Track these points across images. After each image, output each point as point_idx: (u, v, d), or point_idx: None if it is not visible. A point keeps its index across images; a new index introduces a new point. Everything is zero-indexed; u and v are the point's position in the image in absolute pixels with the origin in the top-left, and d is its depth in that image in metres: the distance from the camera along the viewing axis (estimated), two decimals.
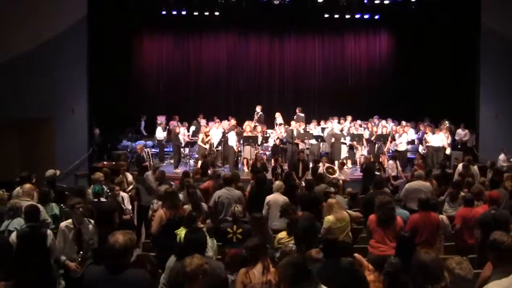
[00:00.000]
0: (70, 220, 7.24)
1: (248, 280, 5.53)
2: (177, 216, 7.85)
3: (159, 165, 14.34)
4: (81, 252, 7.05)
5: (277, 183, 10.02)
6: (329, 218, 8.04)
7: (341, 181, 14.14)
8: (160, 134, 19.00)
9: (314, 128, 19.04)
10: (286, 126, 18.74)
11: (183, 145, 18.24)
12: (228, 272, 6.22)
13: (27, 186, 8.70)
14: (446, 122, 19.15)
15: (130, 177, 12.47)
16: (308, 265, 4.71)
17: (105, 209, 8.42)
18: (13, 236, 6.75)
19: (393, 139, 18.16)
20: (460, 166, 14.21)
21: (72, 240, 7.10)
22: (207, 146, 17.34)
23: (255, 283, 5.49)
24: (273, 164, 15.19)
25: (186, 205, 9.30)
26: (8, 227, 7.26)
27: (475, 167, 14.21)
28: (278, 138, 18.22)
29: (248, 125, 18.16)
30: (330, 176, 13.77)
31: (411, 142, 18.80)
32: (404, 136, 17.92)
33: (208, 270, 4.53)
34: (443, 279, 4.50)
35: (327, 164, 14.92)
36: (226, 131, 18.02)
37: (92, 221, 7.38)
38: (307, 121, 19.89)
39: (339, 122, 19.67)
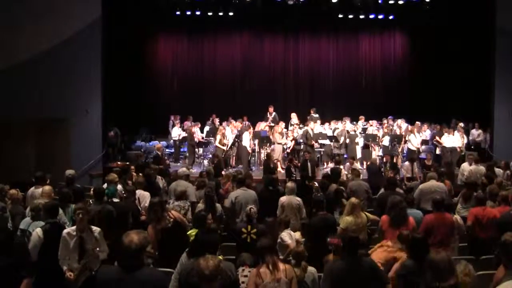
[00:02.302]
0: (74, 227, 6.89)
1: (260, 280, 5.55)
2: (164, 228, 7.63)
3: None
4: (82, 261, 6.62)
5: (289, 185, 9.92)
6: (347, 219, 8.08)
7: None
8: (176, 134, 19.06)
9: (328, 128, 19.04)
10: (301, 126, 18.75)
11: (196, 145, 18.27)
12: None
13: (47, 187, 8.69)
14: (461, 123, 19.03)
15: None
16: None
17: (118, 210, 8.35)
18: (39, 233, 6.71)
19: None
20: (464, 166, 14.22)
21: (73, 248, 6.72)
22: (225, 148, 17.44)
23: (267, 282, 5.51)
24: (287, 165, 15.16)
25: (200, 203, 9.36)
26: (29, 228, 7.27)
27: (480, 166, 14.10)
28: (293, 139, 18.20)
29: (273, 127, 18.26)
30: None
31: (426, 142, 18.65)
32: (414, 136, 17.81)
33: (223, 269, 4.55)
34: (451, 278, 4.50)
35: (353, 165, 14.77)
36: (240, 131, 18.04)
37: (97, 229, 6.96)
38: (321, 122, 19.85)
39: (352, 122, 19.66)
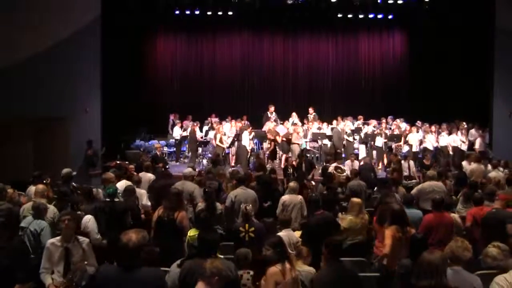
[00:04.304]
0: (59, 237, 6.39)
1: (281, 278, 5.47)
2: (166, 216, 7.79)
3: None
4: (67, 276, 6.09)
5: (291, 184, 9.92)
6: (351, 219, 8.14)
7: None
8: (178, 133, 19.07)
9: (327, 128, 19.07)
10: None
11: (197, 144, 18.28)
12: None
13: (40, 187, 8.60)
14: (464, 123, 19.08)
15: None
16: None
17: (117, 210, 8.33)
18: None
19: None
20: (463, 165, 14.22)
21: (58, 260, 6.20)
22: (225, 145, 17.44)
23: (288, 280, 5.45)
24: (284, 165, 15.14)
25: (199, 203, 9.33)
26: (29, 226, 7.26)
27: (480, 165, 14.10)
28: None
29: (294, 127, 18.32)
30: (340, 175, 13.61)
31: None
32: (431, 135, 17.98)
33: (225, 275, 4.48)
34: (434, 277, 4.50)
35: (334, 164, 14.73)
36: (239, 130, 18.05)
37: (86, 240, 6.50)
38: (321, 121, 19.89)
39: (352, 122, 19.70)
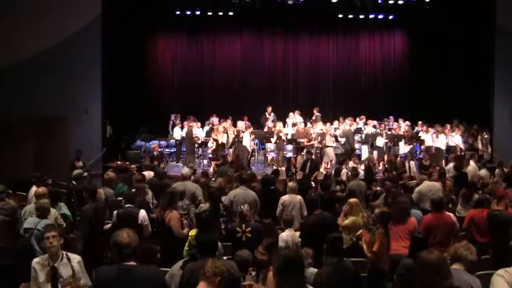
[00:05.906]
0: (46, 255, 5.71)
1: None
2: (160, 216, 7.98)
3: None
4: None
5: (291, 184, 9.94)
6: (354, 218, 8.24)
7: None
8: (178, 134, 19.05)
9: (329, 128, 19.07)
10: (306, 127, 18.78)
11: (197, 145, 18.23)
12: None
13: (40, 190, 8.60)
14: (484, 133, 19.09)
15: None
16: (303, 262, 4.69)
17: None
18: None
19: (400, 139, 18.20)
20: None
21: (44, 282, 5.52)
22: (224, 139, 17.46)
23: None
24: (286, 165, 15.12)
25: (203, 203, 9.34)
26: (37, 226, 7.27)
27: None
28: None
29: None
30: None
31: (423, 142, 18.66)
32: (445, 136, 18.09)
33: (227, 276, 4.47)
34: (440, 277, 4.49)
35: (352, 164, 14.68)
36: (240, 131, 18.01)
37: (77, 257, 5.75)
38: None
39: (355, 122, 19.73)
